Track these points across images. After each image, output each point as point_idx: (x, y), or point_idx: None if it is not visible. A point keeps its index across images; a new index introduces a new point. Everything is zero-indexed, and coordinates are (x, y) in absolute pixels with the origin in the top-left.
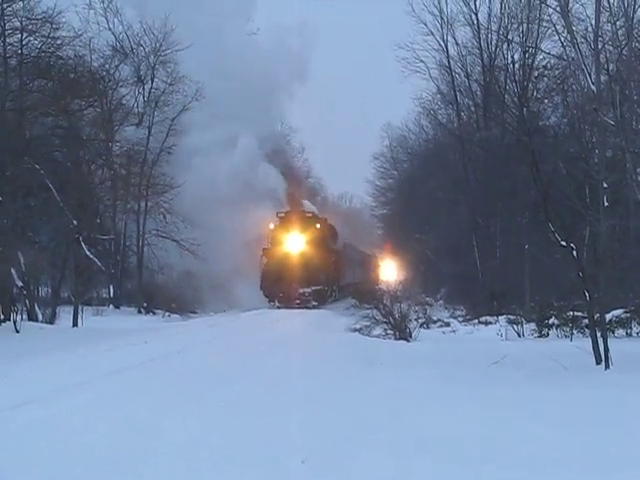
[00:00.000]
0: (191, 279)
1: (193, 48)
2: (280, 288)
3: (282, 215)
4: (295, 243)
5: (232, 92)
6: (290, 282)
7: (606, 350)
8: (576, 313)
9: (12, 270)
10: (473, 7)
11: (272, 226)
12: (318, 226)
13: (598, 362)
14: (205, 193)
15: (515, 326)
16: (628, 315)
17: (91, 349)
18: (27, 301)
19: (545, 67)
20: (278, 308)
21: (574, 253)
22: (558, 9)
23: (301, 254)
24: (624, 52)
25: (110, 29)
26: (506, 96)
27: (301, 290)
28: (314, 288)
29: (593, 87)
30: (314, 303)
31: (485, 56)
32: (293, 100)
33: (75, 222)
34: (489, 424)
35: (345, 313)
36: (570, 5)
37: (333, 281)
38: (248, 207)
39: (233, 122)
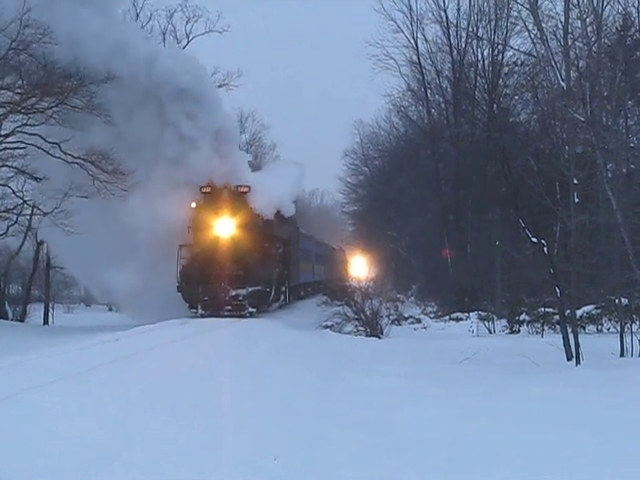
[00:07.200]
0: None
1: None
2: (205, 290)
3: (207, 191)
4: (225, 228)
5: None
6: (218, 281)
7: (577, 346)
8: (547, 309)
9: None
10: (442, 4)
11: (194, 205)
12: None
13: (569, 358)
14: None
15: (486, 322)
16: (599, 311)
17: (63, 347)
18: None
19: (515, 63)
20: (202, 316)
21: (545, 249)
22: (527, 5)
23: (234, 243)
24: (594, 49)
25: None
26: (476, 93)
27: (233, 292)
28: (251, 289)
29: (563, 83)
30: (250, 310)
31: (455, 53)
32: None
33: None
34: (456, 422)
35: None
36: (539, 2)
37: (280, 280)
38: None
39: None
